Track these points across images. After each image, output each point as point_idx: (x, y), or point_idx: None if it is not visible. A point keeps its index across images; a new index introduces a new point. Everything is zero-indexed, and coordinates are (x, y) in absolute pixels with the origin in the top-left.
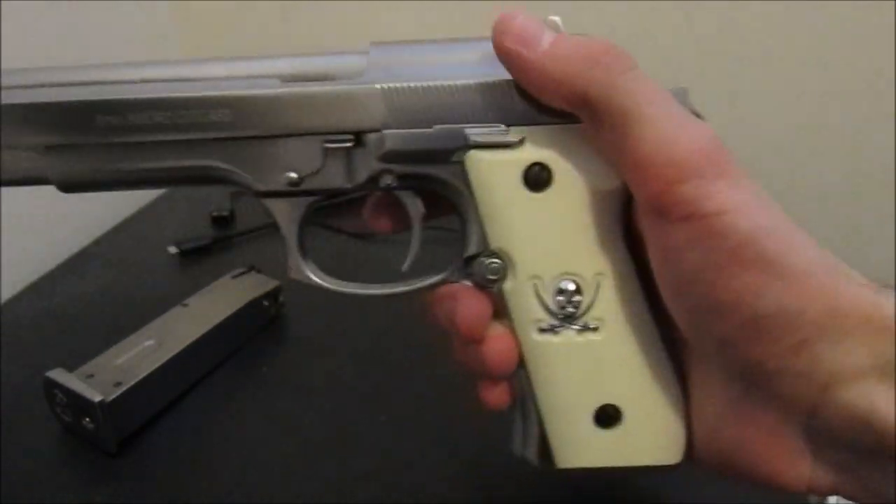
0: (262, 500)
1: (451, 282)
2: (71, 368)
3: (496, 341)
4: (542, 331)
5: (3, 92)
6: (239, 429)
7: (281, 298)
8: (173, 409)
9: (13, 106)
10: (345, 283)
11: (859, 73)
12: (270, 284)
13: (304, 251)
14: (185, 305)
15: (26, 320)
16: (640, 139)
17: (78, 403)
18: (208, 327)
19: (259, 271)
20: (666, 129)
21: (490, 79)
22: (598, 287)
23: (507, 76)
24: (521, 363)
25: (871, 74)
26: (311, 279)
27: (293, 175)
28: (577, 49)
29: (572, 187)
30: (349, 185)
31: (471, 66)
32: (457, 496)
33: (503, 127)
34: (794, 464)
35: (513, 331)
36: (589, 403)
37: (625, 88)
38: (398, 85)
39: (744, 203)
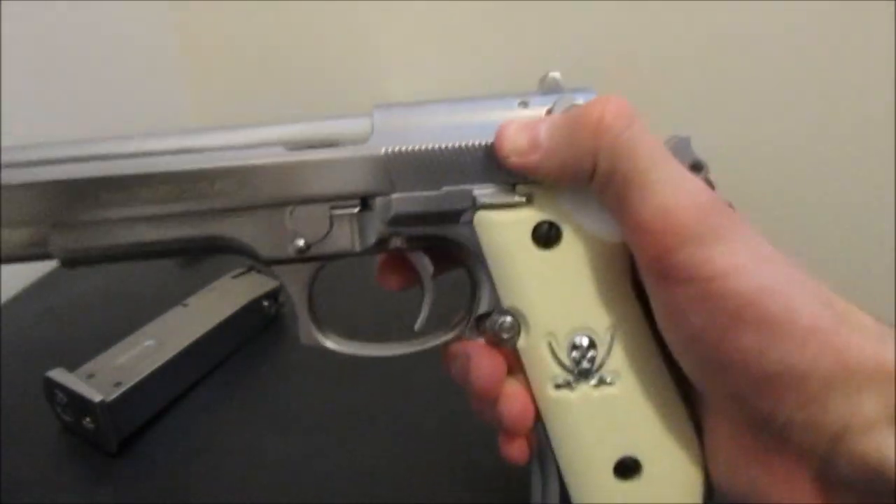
0: (261, 500)
1: (465, 339)
2: (71, 368)
3: (512, 399)
4: (558, 387)
5: (4, 171)
6: (239, 429)
7: (281, 298)
8: (173, 409)
9: (16, 186)
10: (359, 344)
11: (861, 76)
12: (270, 284)
13: (316, 314)
14: (185, 305)
15: (26, 320)
16: (639, 204)
17: (78, 403)
18: (208, 327)
19: (259, 271)
20: (664, 194)
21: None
22: (611, 340)
23: None
24: (538, 417)
25: (872, 77)
26: (324, 345)
27: (300, 243)
28: (573, 129)
29: (581, 243)
30: (358, 249)
31: (475, 126)
32: (458, 495)
33: (510, 186)
34: None
35: (528, 387)
36: (608, 457)
37: (625, 151)
38: (403, 148)
39: (743, 264)
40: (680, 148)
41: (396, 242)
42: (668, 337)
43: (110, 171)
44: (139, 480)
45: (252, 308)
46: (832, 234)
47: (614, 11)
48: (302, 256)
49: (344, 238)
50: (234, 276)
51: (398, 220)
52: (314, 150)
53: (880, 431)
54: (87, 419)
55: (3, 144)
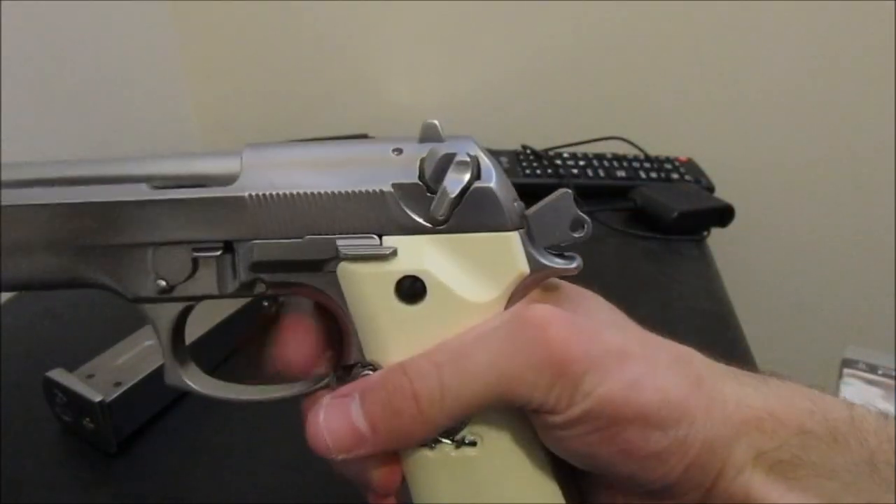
0: (261, 500)
1: (332, 388)
2: (71, 368)
3: (379, 459)
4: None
5: None
6: (239, 429)
7: (281, 298)
8: (173, 409)
9: None
10: (222, 385)
11: (861, 74)
12: None
13: (181, 355)
14: None
15: (26, 320)
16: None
17: (78, 403)
18: (208, 327)
19: None
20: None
21: (363, 188)
22: None
23: (381, 186)
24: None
25: (873, 76)
26: (187, 385)
27: (163, 283)
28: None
29: (446, 300)
30: (222, 292)
31: (346, 172)
32: None
33: (375, 238)
34: None
35: None
36: None
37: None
38: (267, 193)
39: (607, 372)
40: (561, 203)
41: (261, 288)
42: (553, 449)
43: None
44: (139, 480)
45: (252, 308)
46: (832, 234)
47: (615, 11)
48: (165, 297)
49: (208, 280)
50: None
51: (260, 267)
52: (178, 189)
53: (748, 473)
54: (87, 419)
55: (4, 146)
